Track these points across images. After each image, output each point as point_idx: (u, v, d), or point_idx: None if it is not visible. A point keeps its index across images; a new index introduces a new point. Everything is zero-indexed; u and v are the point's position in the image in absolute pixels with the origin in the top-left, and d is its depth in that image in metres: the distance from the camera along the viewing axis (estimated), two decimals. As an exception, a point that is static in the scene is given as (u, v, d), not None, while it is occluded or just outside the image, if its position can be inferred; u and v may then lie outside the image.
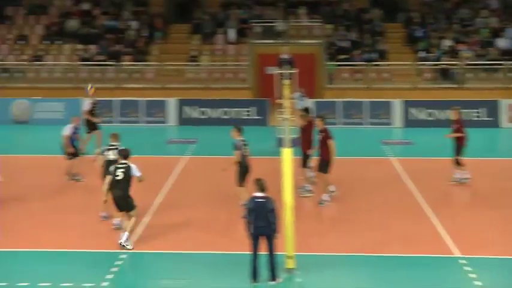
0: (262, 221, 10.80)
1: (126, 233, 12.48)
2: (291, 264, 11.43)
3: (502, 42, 28.90)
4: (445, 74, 27.98)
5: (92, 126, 19.57)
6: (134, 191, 12.88)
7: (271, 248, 10.99)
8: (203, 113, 26.30)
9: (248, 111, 26.30)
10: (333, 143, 15.24)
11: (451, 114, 17.69)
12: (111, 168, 12.72)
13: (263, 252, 11.03)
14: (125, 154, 12.70)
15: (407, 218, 14.59)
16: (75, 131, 17.02)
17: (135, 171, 12.56)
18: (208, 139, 23.00)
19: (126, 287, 11.41)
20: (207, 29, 30.82)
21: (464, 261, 11.99)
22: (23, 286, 11.00)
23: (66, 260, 12.20)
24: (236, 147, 14.51)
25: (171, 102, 26.37)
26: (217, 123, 25.66)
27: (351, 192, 16.52)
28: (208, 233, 13.61)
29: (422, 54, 28.65)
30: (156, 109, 26.31)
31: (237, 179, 14.63)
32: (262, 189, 11.02)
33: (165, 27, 31.55)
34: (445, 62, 28.01)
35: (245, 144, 14.60)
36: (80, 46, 29.97)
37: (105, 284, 11.10)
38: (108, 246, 12.68)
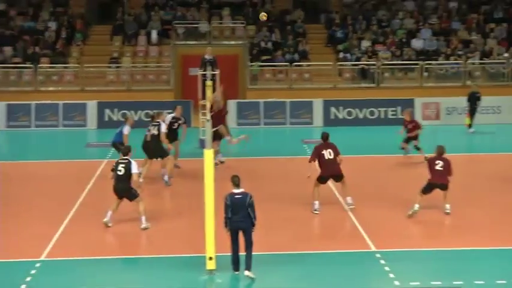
0: (239, 215, 11.10)
1: (143, 217, 13.71)
2: (211, 265, 11.46)
3: (417, 43, 29.76)
4: (363, 74, 28.62)
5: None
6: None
7: (249, 241, 11.25)
8: (125, 115, 25.94)
9: (171, 112, 26.05)
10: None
11: (405, 115, 20.18)
12: (115, 164, 13.94)
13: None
14: (125, 151, 13.98)
15: (327, 214, 14.85)
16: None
17: (134, 168, 13.58)
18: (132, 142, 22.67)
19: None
20: (129, 30, 30.51)
21: (379, 255, 12.34)
22: None
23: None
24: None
25: (91, 105, 25.99)
26: (140, 125, 25.34)
27: (271, 190, 16.69)
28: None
29: (343, 54, 29.20)
30: (75, 112, 25.87)
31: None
32: (237, 185, 11.25)
33: (85, 29, 31.06)
34: (363, 62, 28.64)
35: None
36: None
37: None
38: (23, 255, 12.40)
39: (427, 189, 14.71)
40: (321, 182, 15.13)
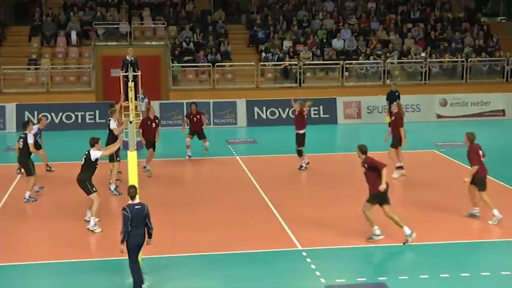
0: (140, 228, 10.68)
1: (91, 218, 13.63)
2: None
3: (337, 43, 30.35)
4: (285, 74, 28.95)
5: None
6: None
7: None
8: (46, 118, 25.32)
9: (92, 115, 25.75)
10: None
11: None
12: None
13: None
14: (91, 142, 13.75)
15: (254, 214, 14.96)
16: (39, 131, 17.97)
17: (92, 156, 13.62)
18: (52, 146, 22.17)
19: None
20: (47, 31, 29.82)
21: (305, 254, 12.54)
22: None
23: None
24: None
25: (10, 108, 25.26)
26: (61, 128, 24.95)
27: (197, 192, 16.70)
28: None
29: (265, 55, 29.44)
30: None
31: None
32: (134, 197, 10.82)
33: (1, 29, 30.15)
34: (285, 62, 28.97)
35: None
36: None
37: None
38: None
39: (485, 184, 13.54)
40: (377, 204, 12.79)
